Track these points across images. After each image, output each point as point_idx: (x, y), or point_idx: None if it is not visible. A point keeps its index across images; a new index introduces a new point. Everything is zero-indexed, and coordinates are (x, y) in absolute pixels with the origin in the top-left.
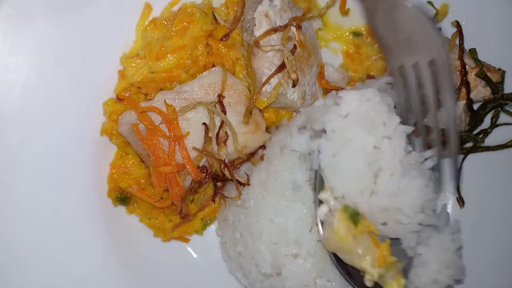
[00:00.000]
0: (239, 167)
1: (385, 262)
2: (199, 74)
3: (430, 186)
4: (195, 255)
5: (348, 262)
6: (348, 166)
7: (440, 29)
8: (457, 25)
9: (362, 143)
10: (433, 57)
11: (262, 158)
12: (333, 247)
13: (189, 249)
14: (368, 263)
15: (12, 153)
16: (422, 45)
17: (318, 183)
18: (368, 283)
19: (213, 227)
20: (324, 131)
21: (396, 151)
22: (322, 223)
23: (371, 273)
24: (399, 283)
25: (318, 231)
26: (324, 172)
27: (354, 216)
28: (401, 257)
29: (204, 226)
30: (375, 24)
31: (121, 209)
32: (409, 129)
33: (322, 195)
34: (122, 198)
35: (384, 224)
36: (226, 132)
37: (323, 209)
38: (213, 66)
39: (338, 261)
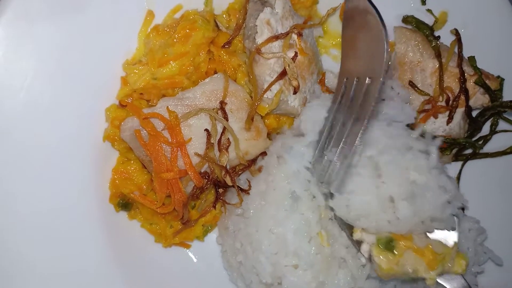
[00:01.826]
0: (240, 174)
1: (436, 263)
2: (201, 81)
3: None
4: (196, 261)
5: (406, 278)
6: (362, 207)
7: (439, 37)
8: (456, 33)
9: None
10: (370, 76)
11: (260, 170)
12: (387, 277)
13: (190, 255)
14: (422, 272)
15: (15, 158)
16: (369, 61)
17: (345, 226)
18: (432, 287)
19: (214, 235)
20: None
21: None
22: (370, 259)
23: (430, 278)
24: (461, 262)
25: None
26: (349, 222)
27: (388, 245)
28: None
29: (205, 232)
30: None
31: (123, 214)
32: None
33: (356, 236)
34: (124, 203)
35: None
36: (228, 138)
37: (364, 248)
38: (215, 72)
39: None
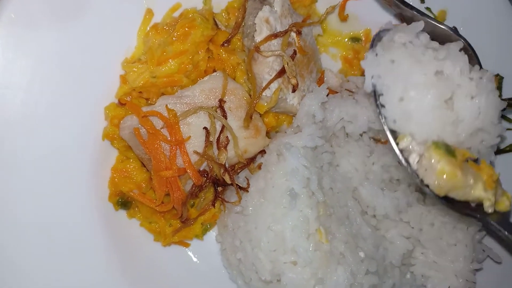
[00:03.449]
0: (239, 172)
1: (494, 182)
2: (200, 79)
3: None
4: (195, 260)
5: (462, 198)
6: (420, 106)
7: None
8: (455, 31)
9: (421, 75)
10: None
11: (259, 167)
12: (446, 188)
13: (189, 253)
14: (481, 189)
15: (14, 157)
16: None
17: (390, 132)
18: (490, 210)
19: (213, 233)
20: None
21: (463, 70)
22: (417, 173)
23: (488, 198)
24: (508, 196)
25: (423, 186)
26: (396, 124)
27: (449, 149)
28: None
29: (204, 231)
30: None
31: (122, 213)
32: (459, 44)
33: (403, 144)
34: (123, 202)
35: (469, 148)
36: (227, 136)
37: (413, 156)
38: (214, 71)
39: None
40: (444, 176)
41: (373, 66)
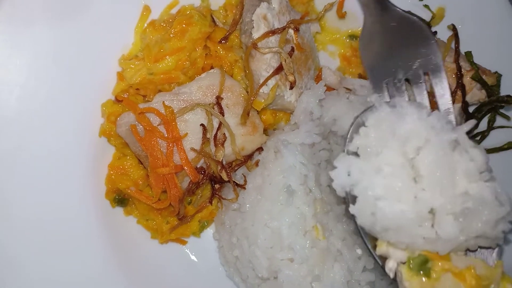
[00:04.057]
0: (236, 169)
1: (479, 286)
2: (197, 76)
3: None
4: (192, 258)
5: None
6: (393, 218)
7: (436, 32)
8: (453, 28)
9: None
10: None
11: (257, 164)
12: None
13: (186, 251)
14: None
15: (10, 154)
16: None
17: (366, 237)
18: None
19: (210, 230)
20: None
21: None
22: (395, 279)
23: None
24: (506, 286)
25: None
26: (372, 233)
27: (423, 266)
28: (489, 257)
29: (202, 228)
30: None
31: (119, 210)
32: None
33: (381, 251)
34: (120, 199)
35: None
36: (224, 133)
37: (391, 265)
38: (211, 68)
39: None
40: None
41: (344, 171)
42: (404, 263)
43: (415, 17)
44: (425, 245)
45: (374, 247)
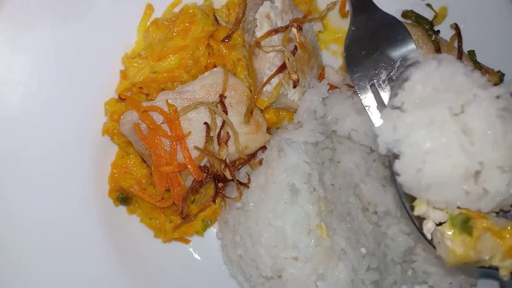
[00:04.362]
0: (240, 168)
1: None
2: (200, 75)
3: None
4: (196, 256)
5: (474, 265)
6: (441, 173)
7: (438, 31)
8: (456, 27)
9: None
10: None
11: (260, 162)
12: (455, 264)
13: (190, 250)
14: (498, 260)
15: (13, 153)
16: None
17: (404, 198)
18: (505, 278)
19: (214, 229)
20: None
21: (495, 136)
22: (431, 240)
23: (505, 267)
24: None
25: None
26: (412, 192)
27: (466, 225)
28: None
29: (205, 227)
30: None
31: (122, 209)
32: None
33: (419, 211)
34: (123, 198)
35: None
36: (227, 132)
37: (429, 225)
38: (215, 66)
39: None
40: (455, 256)
41: (389, 126)
42: (441, 224)
43: (395, 18)
44: (467, 203)
45: (411, 207)
